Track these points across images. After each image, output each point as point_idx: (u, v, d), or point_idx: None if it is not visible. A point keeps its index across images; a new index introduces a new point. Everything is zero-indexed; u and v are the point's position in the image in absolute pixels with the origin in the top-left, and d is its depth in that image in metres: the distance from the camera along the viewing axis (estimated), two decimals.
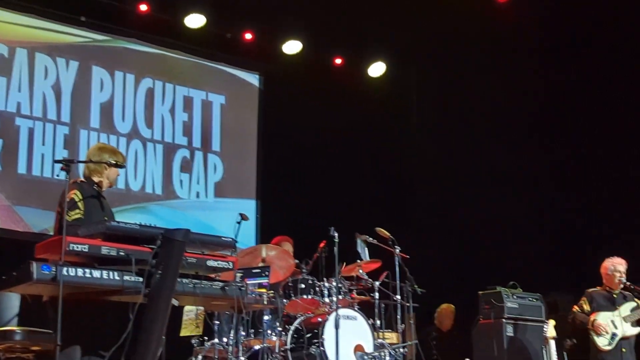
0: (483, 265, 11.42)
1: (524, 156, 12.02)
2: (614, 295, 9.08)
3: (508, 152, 12.15)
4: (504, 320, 9.51)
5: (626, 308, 8.97)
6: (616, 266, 9.09)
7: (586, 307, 9.00)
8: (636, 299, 9.04)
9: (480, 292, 9.87)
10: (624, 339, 8.89)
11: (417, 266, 9.62)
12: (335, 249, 7.69)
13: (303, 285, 8.49)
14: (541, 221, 11.82)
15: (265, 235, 11.03)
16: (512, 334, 9.53)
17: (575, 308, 9.09)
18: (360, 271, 8.97)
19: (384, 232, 9.20)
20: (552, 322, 9.11)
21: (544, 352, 8.95)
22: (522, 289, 9.95)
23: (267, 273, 7.52)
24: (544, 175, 11.87)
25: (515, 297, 9.76)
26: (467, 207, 12.19)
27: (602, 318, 8.86)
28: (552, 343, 8.93)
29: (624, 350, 8.86)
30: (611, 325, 8.84)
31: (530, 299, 9.92)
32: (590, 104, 11.43)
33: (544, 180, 11.86)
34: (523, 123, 12.09)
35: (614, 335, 8.85)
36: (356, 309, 8.50)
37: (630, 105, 11.11)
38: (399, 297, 9.09)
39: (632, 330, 8.91)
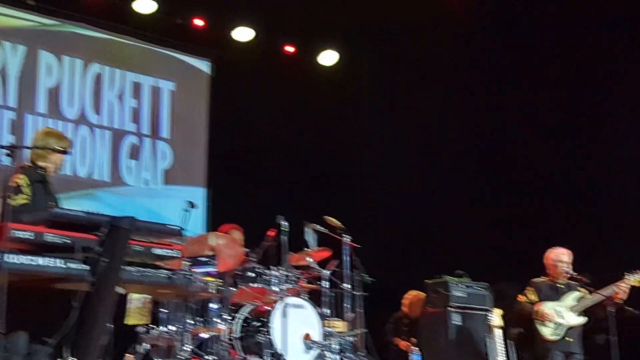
0: (431, 255, 11.50)
1: (473, 146, 12.12)
2: (559, 285, 9.17)
3: (457, 142, 12.24)
4: (450, 308, 9.57)
5: (571, 298, 9.06)
6: (560, 256, 9.17)
7: (532, 297, 9.06)
8: (581, 289, 9.13)
9: (427, 281, 9.92)
10: (570, 328, 8.97)
11: (367, 255, 9.66)
12: (284, 237, 7.67)
13: (252, 274, 8.47)
14: (489, 211, 11.92)
15: (214, 223, 10.96)
16: (458, 323, 9.58)
17: (521, 297, 9.16)
18: (310, 260, 8.97)
19: (333, 221, 9.21)
20: (498, 311, 9.19)
21: (490, 341, 9.01)
22: (470, 278, 10.02)
23: (214, 261, 7.49)
24: (492, 165, 11.98)
25: (462, 286, 9.81)
26: (416, 197, 12.25)
27: (547, 308, 8.93)
28: (498, 332, 9.01)
29: (570, 340, 8.94)
30: (556, 315, 8.92)
31: (477, 287, 9.98)
32: (536, 91, 11.55)
33: (492, 170, 11.97)
34: (472, 113, 12.18)
35: (559, 325, 8.92)
36: (305, 297, 8.51)
37: (576, 94, 11.25)
38: (348, 285, 9.11)
39: (577, 320, 8.99)
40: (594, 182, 11.17)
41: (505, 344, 9.21)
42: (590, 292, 9.04)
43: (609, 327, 9.09)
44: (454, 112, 12.39)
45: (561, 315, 8.92)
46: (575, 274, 9.07)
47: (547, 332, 8.88)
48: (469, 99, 12.23)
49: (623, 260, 10.03)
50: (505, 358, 8.94)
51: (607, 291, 8.90)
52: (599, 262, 10.06)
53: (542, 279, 9.23)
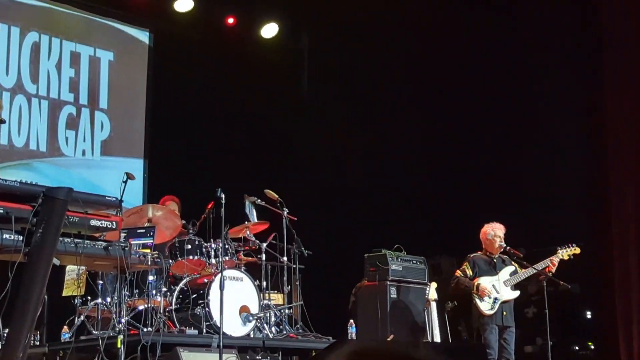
0: (369, 229, 11.60)
1: (412, 122, 12.21)
2: (494, 260, 9.31)
3: (395, 118, 12.32)
4: (387, 282, 9.67)
5: (505, 272, 9.20)
6: (495, 231, 9.30)
7: (469, 272, 9.19)
8: (514, 263, 9.29)
9: (365, 255, 10.01)
10: (504, 302, 9.11)
11: (305, 229, 9.71)
12: (222, 210, 7.68)
13: (189, 246, 8.48)
14: (426, 186, 12.05)
15: (152, 195, 10.92)
16: (395, 296, 9.71)
17: (458, 272, 9.27)
18: (248, 232, 8.99)
19: (272, 194, 9.24)
20: (434, 285, 9.30)
21: (426, 314, 9.14)
22: (407, 252, 10.12)
23: (152, 233, 7.47)
24: (429, 140, 12.09)
25: (399, 259, 9.93)
26: (355, 172, 12.33)
27: (485, 282, 9.07)
28: (434, 305, 9.13)
29: (504, 313, 9.10)
30: (493, 289, 9.06)
31: (414, 261, 10.11)
32: (474, 72, 11.68)
33: (429, 145, 12.09)
34: (411, 90, 12.27)
35: (495, 299, 9.06)
36: (242, 270, 8.54)
37: (508, 72, 11.40)
38: (285, 258, 9.16)
39: (511, 294, 9.14)
40: (526, 158, 11.35)
41: (441, 317, 9.34)
42: (523, 267, 9.20)
43: (543, 301, 9.29)
44: (396, 87, 12.44)
45: (497, 289, 9.06)
46: (509, 248, 9.22)
47: (485, 306, 9.00)
48: (411, 73, 12.28)
49: (554, 235, 10.24)
50: (440, 331, 9.06)
51: (539, 265, 9.07)
52: (531, 237, 10.26)
53: (477, 253, 9.35)
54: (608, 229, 10.45)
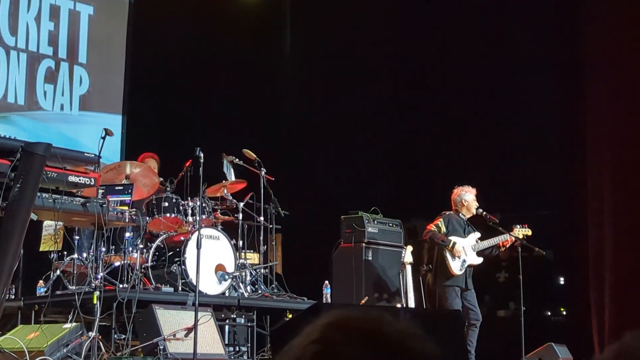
0: (346, 191, 11.64)
1: (390, 85, 12.23)
2: (465, 222, 9.36)
3: (373, 80, 12.32)
4: (363, 244, 9.72)
5: (472, 237, 9.27)
6: (468, 194, 9.36)
7: (443, 228, 9.22)
8: (476, 231, 9.34)
9: (342, 217, 10.05)
10: (469, 266, 9.19)
11: (282, 189, 9.72)
12: (201, 169, 7.67)
13: (167, 204, 8.48)
14: (403, 149, 12.10)
15: (130, 151, 10.88)
16: (370, 259, 9.77)
17: (432, 226, 9.28)
18: (225, 192, 9.00)
19: (250, 154, 9.24)
20: (409, 248, 9.35)
21: (401, 276, 9.19)
22: (383, 215, 10.17)
23: (130, 191, 7.46)
24: (407, 104, 12.13)
25: (375, 222, 9.98)
26: (334, 133, 12.32)
27: (459, 243, 9.12)
28: (409, 268, 9.18)
29: (467, 278, 9.21)
30: (463, 251, 9.13)
31: (390, 224, 10.16)
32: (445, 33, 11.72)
33: (406, 109, 12.12)
34: (391, 52, 12.27)
35: (464, 261, 9.13)
36: (219, 229, 8.56)
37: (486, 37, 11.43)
38: (262, 218, 9.18)
39: (477, 260, 9.22)
40: (501, 121, 11.41)
41: (416, 281, 9.40)
42: (491, 234, 9.31)
43: (514, 266, 9.40)
44: (376, 53, 12.42)
45: (465, 252, 9.12)
46: (486, 213, 9.28)
47: (456, 266, 9.08)
48: (390, 39, 12.27)
49: (530, 201, 10.34)
50: (415, 294, 9.11)
51: (496, 239, 9.21)
52: (507, 201, 10.35)
53: (451, 212, 9.38)
54: (584, 196, 10.53)
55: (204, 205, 8.47)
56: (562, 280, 11.57)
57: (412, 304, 8.98)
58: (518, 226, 9.35)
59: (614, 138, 10.32)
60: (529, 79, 11.31)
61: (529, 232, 9.32)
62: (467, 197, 9.33)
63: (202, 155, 7.69)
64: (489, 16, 11.49)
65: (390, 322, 1.79)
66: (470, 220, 9.36)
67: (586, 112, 10.57)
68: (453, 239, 9.09)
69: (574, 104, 10.71)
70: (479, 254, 9.21)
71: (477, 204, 9.32)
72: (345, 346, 1.74)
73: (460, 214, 9.34)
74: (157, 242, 8.23)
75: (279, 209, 9.46)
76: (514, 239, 9.25)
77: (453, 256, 9.08)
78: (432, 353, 1.78)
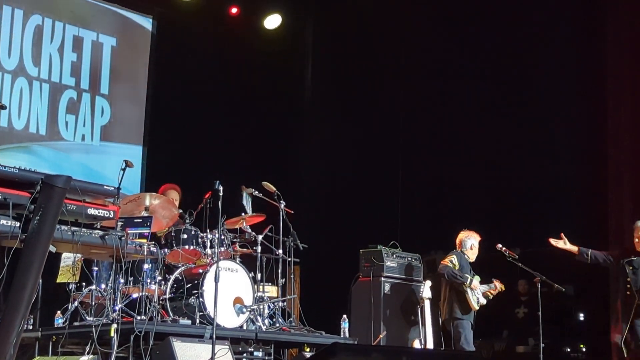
0: (365, 224, 11.60)
1: (409, 115, 12.25)
2: (470, 263, 9.49)
3: (396, 111, 12.33)
4: (382, 278, 9.70)
5: (477, 278, 9.36)
6: (475, 239, 9.49)
7: (456, 264, 9.31)
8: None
9: (360, 250, 10.02)
10: (480, 305, 9.31)
11: (301, 222, 9.72)
12: (220, 202, 7.67)
13: (185, 236, 8.46)
14: (422, 182, 12.07)
15: (150, 182, 10.93)
16: (389, 292, 9.73)
17: (447, 262, 9.34)
18: (244, 224, 8.99)
19: (270, 186, 9.24)
20: (428, 283, 9.33)
21: (419, 311, 9.16)
22: (402, 249, 10.15)
23: (149, 223, 7.45)
24: (426, 137, 12.12)
25: (394, 256, 9.96)
26: (353, 166, 12.33)
27: (475, 279, 9.21)
28: (427, 303, 9.16)
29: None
30: (479, 287, 9.26)
31: (409, 258, 10.14)
32: (471, 64, 11.74)
33: (426, 142, 12.11)
34: (411, 83, 12.28)
35: (478, 298, 9.24)
36: (238, 261, 8.54)
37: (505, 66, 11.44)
38: (281, 251, 9.16)
39: (483, 300, 9.33)
40: (523, 159, 11.39)
41: (434, 316, 9.37)
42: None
43: (533, 301, 9.37)
44: (396, 82, 12.44)
45: (478, 290, 9.25)
46: (505, 248, 9.29)
47: (474, 301, 9.14)
48: (411, 69, 12.29)
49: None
50: (433, 331, 9.09)
51: (485, 286, 9.30)
52: (525, 237, 10.32)
53: (459, 250, 9.49)
54: (604, 232, 10.47)
55: (222, 237, 8.46)
56: (581, 317, 11.49)
57: (430, 339, 8.94)
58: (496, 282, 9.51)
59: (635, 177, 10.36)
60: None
61: (502, 288, 9.52)
62: (474, 242, 9.45)
63: (221, 188, 7.70)
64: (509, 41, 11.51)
65: None
66: (487, 257, 9.48)
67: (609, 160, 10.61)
68: (469, 275, 9.17)
69: (598, 152, 10.76)
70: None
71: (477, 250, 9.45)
72: None
73: (466, 255, 9.44)
74: (175, 274, 8.22)
75: (298, 242, 9.44)
76: (498, 288, 9.41)
77: (472, 291, 9.14)
78: None
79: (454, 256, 9.31)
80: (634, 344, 8.80)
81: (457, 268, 9.24)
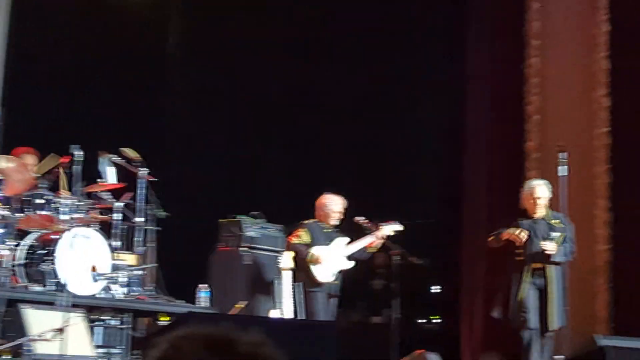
0: (229, 195, 11.55)
1: (280, 91, 12.25)
2: (327, 230, 9.35)
3: (264, 82, 12.29)
4: (241, 248, 9.67)
5: (338, 243, 9.25)
6: (334, 205, 9.35)
7: (305, 238, 9.17)
8: (344, 236, 9.33)
9: (219, 220, 9.97)
10: (339, 272, 9.21)
11: (163, 190, 9.60)
12: (78, 167, 7.52)
13: (41, 201, 8.26)
14: (289, 154, 12.12)
15: (7, 145, 10.57)
16: (248, 263, 9.71)
17: (293, 239, 9.21)
18: (102, 191, 8.84)
19: (128, 153, 9.10)
20: (287, 253, 9.28)
21: (277, 282, 9.09)
22: (266, 220, 10.10)
23: (1, 185, 7.26)
24: (291, 111, 12.15)
25: (255, 226, 9.93)
26: (219, 136, 12.24)
27: (320, 251, 9.05)
28: (286, 274, 9.05)
29: (336, 282, 9.22)
30: (328, 258, 9.08)
31: (271, 229, 10.11)
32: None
33: (291, 116, 12.14)
34: (284, 55, 12.27)
35: (330, 268, 9.10)
36: (95, 228, 8.41)
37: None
38: (140, 219, 9.05)
39: (346, 264, 9.23)
40: (387, 133, 11.59)
41: (293, 285, 9.34)
42: (351, 241, 9.32)
43: (390, 273, 9.51)
44: (265, 53, 12.36)
45: (331, 258, 9.10)
46: (364, 220, 9.32)
47: (320, 275, 9.04)
48: (281, 39, 12.25)
49: (408, 210, 10.48)
50: (291, 300, 9.03)
51: (364, 240, 9.24)
52: (386, 211, 10.46)
53: (311, 221, 9.36)
54: (460, 208, 10.77)
55: (79, 203, 8.30)
56: (435, 289, 11.79)
57: (288, 309, 8.91)
58: (384, 224, 9.34)
59: (488, 160, 10.66)
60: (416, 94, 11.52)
61: (400, 227, 9.34)
62: (334, 206, 9.34)
63: (79, 152, 7.56)
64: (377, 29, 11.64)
65: (238, 334, 1.95)
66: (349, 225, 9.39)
67: (464, 134, 10.88)
68: (312, 248, 9.09)
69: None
70: (350, 258, 9.22)
71: (340, 215, 9.33)
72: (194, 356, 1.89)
73: (323, 223, 9.33)
74: (27, 239, 8.03)
75: (159, 210, 9.35)
76: (384, 237, 9.28)
77: (315, 265, 9.03)
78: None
79: (305, 230, 9.20)
80: (520, 316, 8.43)
81: (306, 241, 9.10)
